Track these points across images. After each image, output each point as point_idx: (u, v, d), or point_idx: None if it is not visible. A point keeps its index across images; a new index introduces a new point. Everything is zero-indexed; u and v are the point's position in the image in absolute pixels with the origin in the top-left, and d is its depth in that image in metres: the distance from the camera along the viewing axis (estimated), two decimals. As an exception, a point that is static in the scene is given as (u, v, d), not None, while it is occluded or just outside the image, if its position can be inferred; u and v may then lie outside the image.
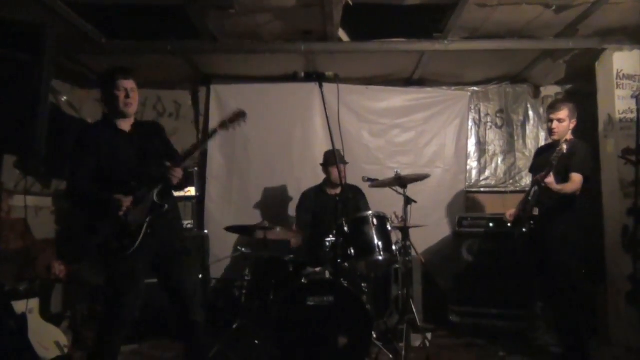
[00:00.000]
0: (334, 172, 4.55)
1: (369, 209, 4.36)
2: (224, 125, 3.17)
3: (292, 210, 5.40)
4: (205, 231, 5.32)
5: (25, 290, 3.89)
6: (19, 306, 3.66)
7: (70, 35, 4.33)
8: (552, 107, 3.86)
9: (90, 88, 5.69)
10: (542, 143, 5.72)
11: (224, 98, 5.69)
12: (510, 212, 4.03)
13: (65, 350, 3.87)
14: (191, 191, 5.22)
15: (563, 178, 3.63)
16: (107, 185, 2.96)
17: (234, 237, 5.41)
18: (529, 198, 3.77)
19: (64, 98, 5.38)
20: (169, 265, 3.10)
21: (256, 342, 3.67)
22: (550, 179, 3.52)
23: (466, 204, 5.73)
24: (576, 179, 3.62)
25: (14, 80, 2.45)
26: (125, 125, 3.13)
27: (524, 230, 3.78)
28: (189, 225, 5.13)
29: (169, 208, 3.06)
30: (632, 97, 4.15)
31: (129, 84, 3.07)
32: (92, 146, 3.00)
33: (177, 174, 3.04)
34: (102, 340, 2.97)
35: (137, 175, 3.01)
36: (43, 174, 4.84)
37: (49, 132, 2.59)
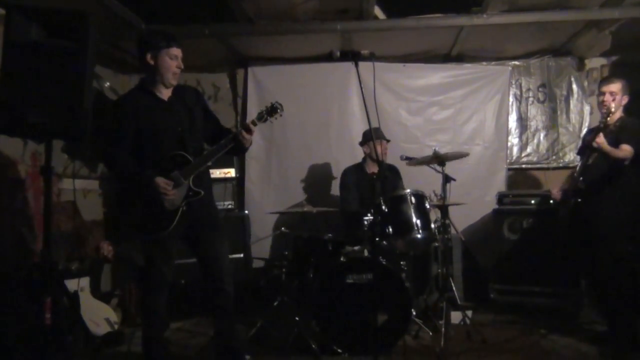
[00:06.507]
0: (372, 147, 4.53)
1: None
2: (261, 117, 3.08)
3: (330, 190, 5.45)
4: (246, 211, 5.40)
5: (76, 270, 4.09)
6: (71, 285, 3.78)
7: (111, 22, 4.42)
8: (605, 80, 3.83)
9: (131, 73, 5.81)
10: (587, 117, 5.58)
11: (262, 79, 5.74)
12: (556, 190, 3.97)
13: (116, 327, 4.04)
14: (231, 172, 5.29)
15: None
16: (143, 159, 2.95)
17: (274, 217, 5.48)
18: (575, 173, 3.71)
19: (107, 84, 5.48)
20: (203, 237, 3.10)
21: (297, 318, 3.73)
22: (601, 139, 3.43)
23: (507, 181, 5.63)
24: (627, 148, 3.50)
25: (60, 67, 2.54)
26: (166, 93, 3.04)
27: (570, 204, 3.73)
28: (229, 206, 5.22)
29: (205, 192, 3.05)
30: (682, 67, 4.00)
31: (180, 52, 3.00)
32: (131, 114, 2.94)
33: (249, 137, 3.02)
34: (146, 310, 3.13)
35: (174, 155, 2.97)
36: (89, 158, 4.99)
37: (93, 116, 2.68)
